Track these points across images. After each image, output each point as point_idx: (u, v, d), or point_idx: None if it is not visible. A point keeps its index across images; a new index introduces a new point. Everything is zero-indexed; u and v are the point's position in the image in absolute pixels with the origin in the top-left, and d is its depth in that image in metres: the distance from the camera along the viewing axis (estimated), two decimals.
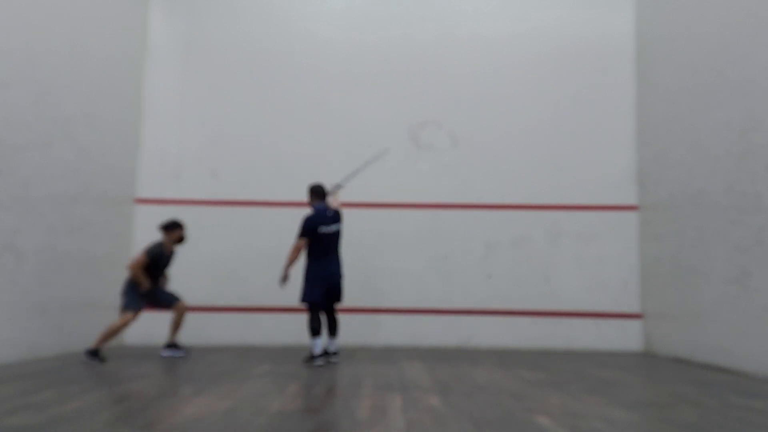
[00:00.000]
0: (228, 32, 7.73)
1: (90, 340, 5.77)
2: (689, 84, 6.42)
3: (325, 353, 5.67)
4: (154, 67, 7.63)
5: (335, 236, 5.77)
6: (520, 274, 7.36)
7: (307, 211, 5.95)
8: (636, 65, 7.60)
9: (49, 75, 5.83)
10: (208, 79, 7.66)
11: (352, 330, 6.96)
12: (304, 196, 6.28)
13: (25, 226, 5.49)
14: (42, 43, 5.75)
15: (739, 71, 5.62)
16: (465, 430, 3.06)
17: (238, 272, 7.32)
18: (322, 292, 5.63)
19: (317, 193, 5.88)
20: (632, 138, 7.51)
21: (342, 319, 6.42)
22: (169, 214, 7.04)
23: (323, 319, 5.77)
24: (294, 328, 7.02)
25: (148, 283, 5.85)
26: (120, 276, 6.12)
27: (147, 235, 6.83)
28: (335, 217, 5.79)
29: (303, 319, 6.62)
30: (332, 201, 5.95)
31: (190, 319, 6.59)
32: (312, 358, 5.51)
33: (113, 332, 5.57)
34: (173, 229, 6.08)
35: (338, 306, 6.01)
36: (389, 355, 6.40)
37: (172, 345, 6.08)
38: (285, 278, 5.71)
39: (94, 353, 5.42)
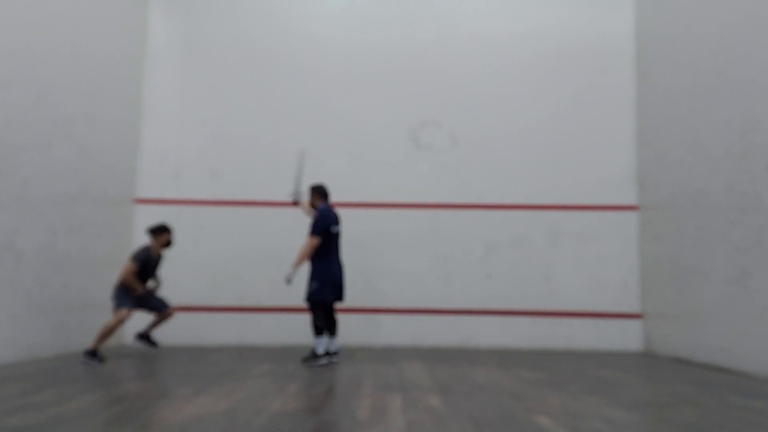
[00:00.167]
0: (228, 32, 7.73)
1: (90, 340, 5.76)
2: (689, 84, 6.41)
3: (327, 353, 5.67)
4: (154, 67, 7.63)
5: (339, 237, 5.80)
6: (520, 274, 7.36)
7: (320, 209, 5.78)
8: (636, 65, 7.60)
9: (49, 75, 5.83)
10: (208, 79, 7.66)
11: (352, 330, 6.96)
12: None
13: (25, 226, 5.49)
14: (42, 43, 5.75)
15: (739, 71, 5.62)
16: (465, 430, 3.05)
17: (237, 272, 7.32)
18: (333, 292, 5.63)
19: (321, 193, 5.89)
20: (632, 138, 7.51)
21: (342, 319, 6.42)
22: (169, 214, 7.06)
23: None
24: (294, 328, 7.02)
25: (143, 288, 5.97)
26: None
27: (147, 235, 6.82)
28: (338, 218, 5.82)
29: (303, 319, 6.63)
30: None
31: (191, 319, 6.59)
32: (314, 357, 5.51)
33: (109, 331, 5.60)
34: (161, 233, 6.14)
35: (338, 306, 6.01)
36: (389, 355, 6.40)
37: (145, 336, 6.30)
38: (292, 277, 5.65)
39: (93, 353, 5.43)
